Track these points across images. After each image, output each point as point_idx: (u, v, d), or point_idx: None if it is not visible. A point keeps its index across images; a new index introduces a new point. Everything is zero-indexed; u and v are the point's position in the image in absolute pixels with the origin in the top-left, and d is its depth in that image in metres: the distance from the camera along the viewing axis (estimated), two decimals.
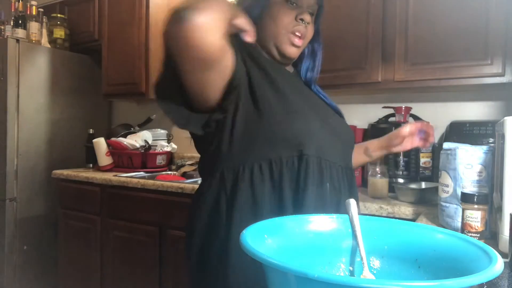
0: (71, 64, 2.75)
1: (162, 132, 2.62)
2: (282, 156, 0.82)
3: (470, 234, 0.87)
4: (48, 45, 2.66)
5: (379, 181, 1.62)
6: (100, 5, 2.65)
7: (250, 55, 0.87)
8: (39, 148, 2.55)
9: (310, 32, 0.95)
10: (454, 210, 1.02)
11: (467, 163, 1.00)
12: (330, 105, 1.03)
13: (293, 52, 0.93)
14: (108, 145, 2.43)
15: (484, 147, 1.02)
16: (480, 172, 0.99)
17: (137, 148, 2.41)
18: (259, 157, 0.83)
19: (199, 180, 2.12)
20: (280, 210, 0.81)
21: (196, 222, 0.88)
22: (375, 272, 0.57)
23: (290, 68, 1.03)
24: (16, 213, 2.42)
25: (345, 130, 1.00)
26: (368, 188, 1.66)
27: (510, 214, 0.78)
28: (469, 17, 1.57)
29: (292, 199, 0.82)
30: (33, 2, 2.63)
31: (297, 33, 0.91)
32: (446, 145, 1.07)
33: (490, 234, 0.94)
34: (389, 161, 1.77)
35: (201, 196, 0.89)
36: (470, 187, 0.99)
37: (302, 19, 0.90)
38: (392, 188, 1.64)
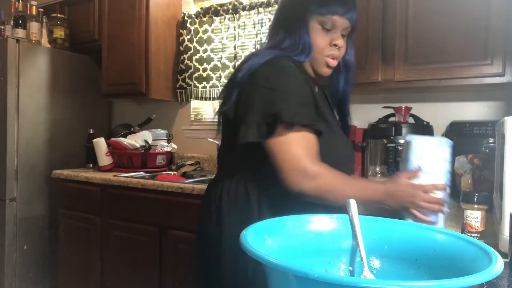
0: (71, 64, 2.75)
1: (162, 132, 2.62)
2: None
3: (470, 234, 0.87)
4: (48, 45, 2.66)
5: (379, 181, 1.62)
6: (100, 5, 2.65)
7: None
8: (39, 148, 2.55)
9: (342, 52, 1.03)
10: None
11: (420, 156, 0.94)
12: (347, 126, 1.13)
13: (327, 71, 1.03)
14: (108, 145, 2.43)
15: (443, 140, 0.96)
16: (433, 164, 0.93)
17: (137, 148, 2.41)
18: None
19: (199, 180, 2.13)
20: None
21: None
22: (375, 272, 0.57)
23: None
24: (16, 213, 2.42)
25: (352, 155, 1.11)
26: None
27: (510, 214, 0.78)
28: (469, 17, 1.57)
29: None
30: (33, 2, 2.63)
31: (331, 58, 1.01)
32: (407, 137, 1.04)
33: (490, 234, 0.94)
34: (389, 161, 1.78)
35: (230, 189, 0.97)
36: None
37: (336, 45, 0.99)
38: None
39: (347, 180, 0.92)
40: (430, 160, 0.92)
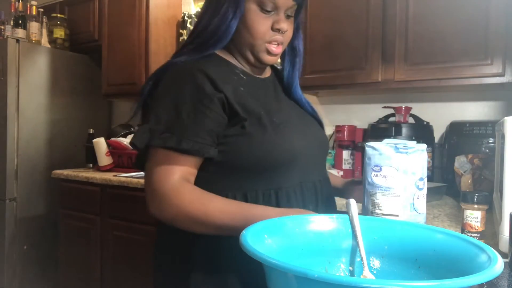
0: (71, 64, 2.75)
1: None
2: (258, 190, 0.80)
3: (470, 234, 0.87)
4: (48, 45, 2.66)
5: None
6: (100, 5, 2.65)
7: (229, 97, 0.81)
8: (39, 148, 2.55)
9: (288, 35, 0.88)
10: None
11: (374, 164, 0.79)
12: (309, 113, 0.99)
13: (271, 59, 0.88)
14: (108, 145, 2.43)
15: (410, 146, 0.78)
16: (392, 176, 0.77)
17: None
18: (235, 187, 0.80)
19: None
20: None
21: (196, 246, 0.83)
22: (375, 272, 0.57)
23: (267, 71, 0.97)
24: (16, 213, 2.42)
25: (323, 140, 0.97)
26: None
27: (510, 214, 0.78)
28: (469, 17, 1.57)
29: None
30: (33, 2, 2.63)
31: (274, 43, 0.85)
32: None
33: (490, 234, 0.94)
34: None
35: None
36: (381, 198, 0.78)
37: (279, 29, 0.83)
38: None
39: (220, 208, 0.74)
40: (388, 174, 0.77)
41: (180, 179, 0.76)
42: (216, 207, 0.74)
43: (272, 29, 0.83)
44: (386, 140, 0.79)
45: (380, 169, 0.77)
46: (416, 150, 0.77)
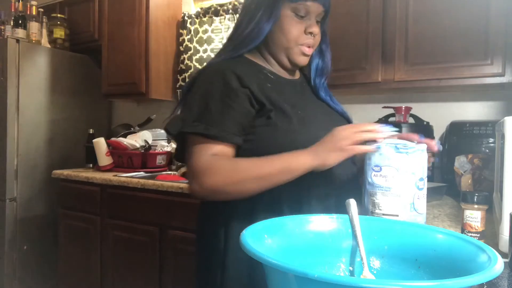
0: (71, 64, 2.75)
1: (162, 132, 2.61)
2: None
3: (470, 234, 0.87)
4: (48, 45, 2.66)
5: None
6: (100, 5, 2.65)
7: (261, 94, 0.90)
8: (39, 148, 2.55)
9: (318, 39, 0.98)
10: None
11: (375, 164, 0.78)
12: (337, 111, 1.06)
13: (303, 60, 0.98)
14: (108, 145, 2.43)
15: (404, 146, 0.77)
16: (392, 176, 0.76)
17: (137, 148, 2.41)
18: None
19: None
20: None
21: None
22: (375, 272, 0.57)
23: (296, 74, 1.06)
24: (16, 213, 2.42)
25: None
26: None
27: (510, 214, 0.78)
28: (469, 17, 1.57)
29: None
30: (33, 2, 2.63)
31: (306, 45, 0.95)
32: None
33: (490, 234, 0.94)
34: None
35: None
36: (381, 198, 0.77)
37: (311, 33, 0.95)
38: None
39: (253, 161, 0.83)
40: (388, 174, 0.76)
41: (212, 155, 0.85)
42: (251, 161, 0.83)
43: (305, 32, 0.94)
44: (387, 140, 0.78)
45: (380, 169, 0.77)
46: (416, 150, 0.77)
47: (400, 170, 0.76)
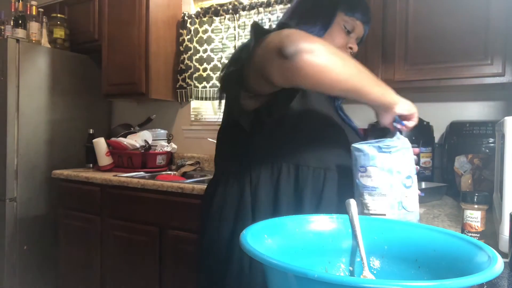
0: (71, 64, 2.75)
1: (162, 132, 2.62)
2: (310, 166, 0.90)
3: (470, 234, 0.87)
4: (48, 45, 2.66)
5: None
6: (100, 5, 2.65)
7: None
8: (39, 148, 2.55)
9: (354, 56, 1.04)
10: None
11: (360, 165, 0.79)
12: (350, 126, 1.08)
13: None
14: (108, 145, 2.43)
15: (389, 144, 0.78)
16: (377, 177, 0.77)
17: (137, 148, 2.41)
18: (288, 159, 0.90)
19: (199, 180, 2.13)
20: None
21: (223, 212, 0.93)
22: (375, 272, 0.57)
23: None
24: (16, 213, 2.42)
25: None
26: None
27: (510, 214, 0.78)
28: (469, 17, 1.57)
29: (313, 207, 0.88)
30: (33, 2, 2.63)
31: None
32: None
33: (490, 234, 0.94)
34: None
35: (226, 187, 0.94)
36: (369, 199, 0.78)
37: (351, 48, 1.03)
38: None
39: (353, 60, 0.78)
40: (373, 174, 0.76)
41: None
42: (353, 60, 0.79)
43: (346, 47, 1.02)
44: (374, 141, 0.80)
45: (365, 169, 0.78)
46: (400, 148, 0.77)
47: (384, 170, 0.76)
